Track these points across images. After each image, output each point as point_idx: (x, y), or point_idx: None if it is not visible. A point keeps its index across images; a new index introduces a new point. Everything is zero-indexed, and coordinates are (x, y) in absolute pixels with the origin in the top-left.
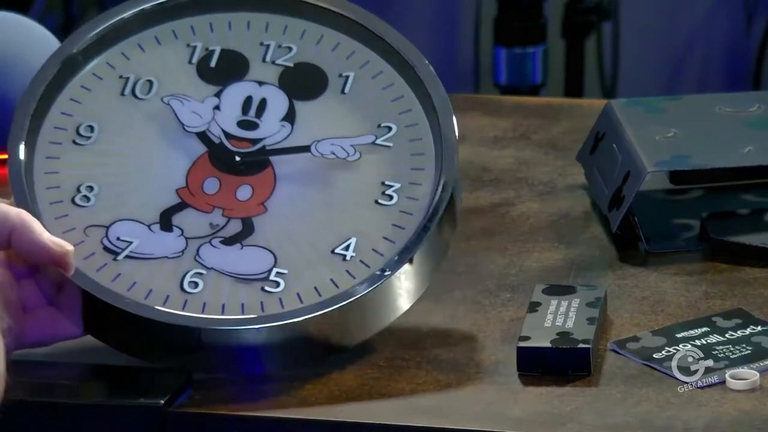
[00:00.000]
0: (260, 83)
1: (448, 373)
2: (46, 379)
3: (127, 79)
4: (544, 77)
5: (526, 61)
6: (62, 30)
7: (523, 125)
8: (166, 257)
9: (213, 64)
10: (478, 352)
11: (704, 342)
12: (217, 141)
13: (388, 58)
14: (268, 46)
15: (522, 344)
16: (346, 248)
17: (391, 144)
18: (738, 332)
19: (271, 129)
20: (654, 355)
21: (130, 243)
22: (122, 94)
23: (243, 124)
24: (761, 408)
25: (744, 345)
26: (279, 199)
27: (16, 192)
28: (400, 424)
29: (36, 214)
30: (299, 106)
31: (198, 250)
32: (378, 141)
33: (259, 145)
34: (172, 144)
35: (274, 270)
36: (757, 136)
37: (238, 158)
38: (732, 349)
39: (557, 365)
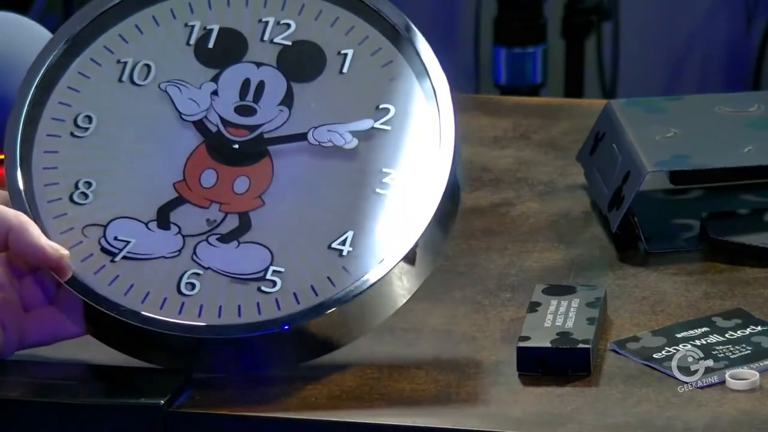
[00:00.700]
0: (258, 65)
1: (448, 373)
2: (46, 379)
3: (125, 63)
4: (544, 77)
5: (526, 61)
6: None
7: (523, 125)
8: (164, 257)
9: (211, 44)
10: (478, 352)
11: (704, 342)
12: (214, 129)
13: (387, 34)
14: (266, 23)
15: (522, 344)
16: (343, 243)
17: (389, 127)
18: (738, 332)
19: (269, 114)
20: (654, 355)
21: (128, 243)
22: (120, 80)
23: (241, 110)
24: (761, 408)
25: (744, 345)
26: (276, 190)
27: (12, 192)
28: (400, 424)
29: (34, 214)
30: (297, 88)
31: (195, 249)
32: (376, 125)
33: (256, 132)
34: (169, 135)
35: (271, 268)
36: (757, 136)
37: (236, 146)
38: (732, 349)
39: (557, 365)
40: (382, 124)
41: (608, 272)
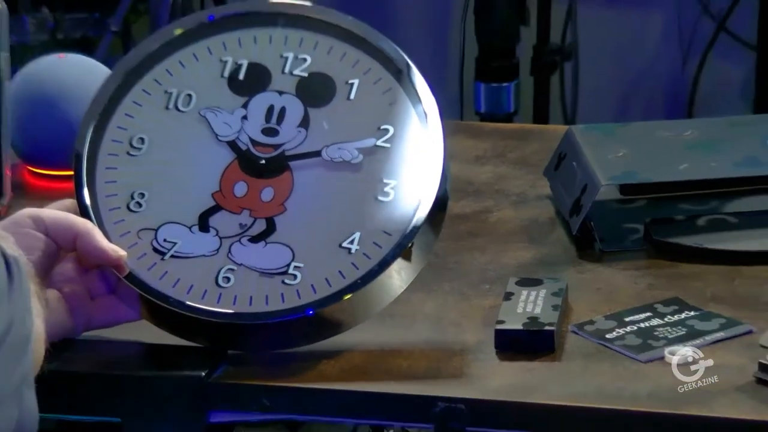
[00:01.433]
0: (280, 93)
1: (438, 352)
2: (107, 355)
3: (171, 93)
4: (517, 107)
5: (502, 93)
6: None
7: (500, 146)
8: (204, 256)
9: (241, 76)
10: (463, 334)
11: (647, 325)
12: (244, 148)
13: (387, 66)
14: (287, 58)
15: (499, 327)
16: (351, 242)
17: (389, 145)
18: (675, 317)
19: (289, 135)
20: (607, 336)
21: (175, 244)
22: (167, 107)
23: (266, 131)
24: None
25: (680, 327)
26: (296, 199)
27: (81, 204)
28: (398, 392)
29: (98, 220)
30: (313, 113)
31: (230, 249)
32: (378, 143)
33: (279, 150)
34: (207, 152)
35: (292, 264)
36: (692, 156)
37: (263, 162)
38: (670, 330)
39: (528, 344)
40: (383, 142)
41: (570, 267)
